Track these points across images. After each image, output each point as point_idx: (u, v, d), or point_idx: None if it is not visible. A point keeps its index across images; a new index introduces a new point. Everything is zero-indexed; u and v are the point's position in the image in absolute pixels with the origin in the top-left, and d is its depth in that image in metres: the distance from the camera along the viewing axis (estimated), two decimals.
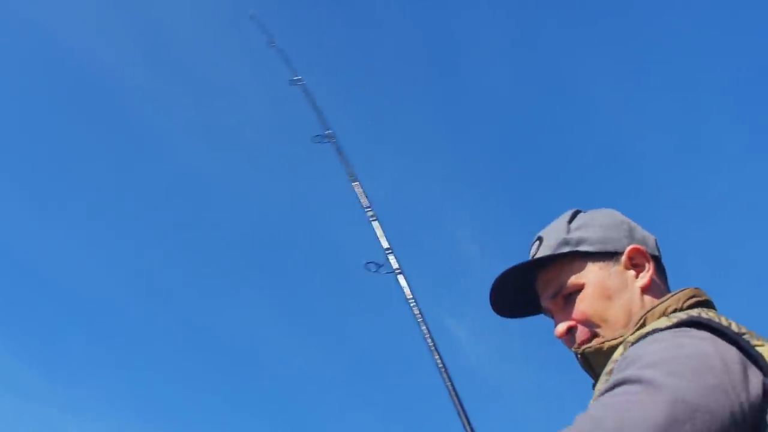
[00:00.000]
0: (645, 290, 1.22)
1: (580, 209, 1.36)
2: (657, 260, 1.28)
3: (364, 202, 2.89)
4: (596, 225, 1.29)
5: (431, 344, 2.43)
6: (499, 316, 1.35)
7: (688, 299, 1.16)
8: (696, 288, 1.19)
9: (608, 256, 1.25)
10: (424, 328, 2.48)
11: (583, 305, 1.22)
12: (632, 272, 1.24)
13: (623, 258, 1.25)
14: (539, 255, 1.29)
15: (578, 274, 1.24)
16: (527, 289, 1.31)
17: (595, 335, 1.20)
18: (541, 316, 1.35)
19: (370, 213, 2.84)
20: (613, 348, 1.13)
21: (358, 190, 2.92)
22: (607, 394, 0.94)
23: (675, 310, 1.13)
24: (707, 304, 1.17)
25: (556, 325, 1.26)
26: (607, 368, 1.08)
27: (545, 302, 1.28)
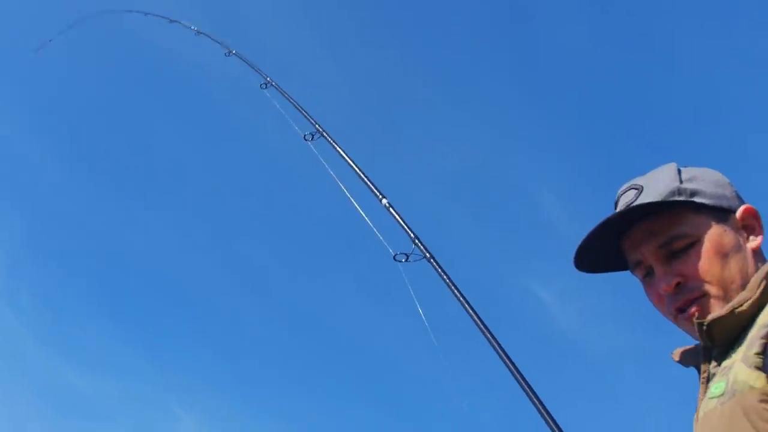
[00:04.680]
0: (754, 253, 1.20)
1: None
2: None
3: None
4: (708, 180, 1.24)
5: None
6: (579, 271, 1.31)
7: None
8: None
9: (722, 212, 1.21)
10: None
11: (699, 261, 1.16)
12: (743, 233, 1.21)
13: (737, 218, 1.21)
14: (642, 202, 1.21)
15: (693, 226, 1.18)
16: (611, 244, 1.25)
17: (704, 294, 1.16)
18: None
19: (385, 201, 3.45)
20: (743, 314, 1.09)
21: None
22: None
23: None
24: None
25: (658, 279, 1.19)
26: (760, 332, 1.04)
27: (645, 253, 1.21)
